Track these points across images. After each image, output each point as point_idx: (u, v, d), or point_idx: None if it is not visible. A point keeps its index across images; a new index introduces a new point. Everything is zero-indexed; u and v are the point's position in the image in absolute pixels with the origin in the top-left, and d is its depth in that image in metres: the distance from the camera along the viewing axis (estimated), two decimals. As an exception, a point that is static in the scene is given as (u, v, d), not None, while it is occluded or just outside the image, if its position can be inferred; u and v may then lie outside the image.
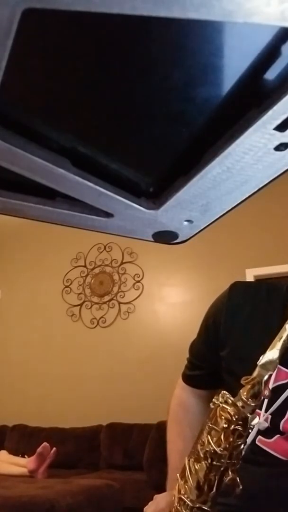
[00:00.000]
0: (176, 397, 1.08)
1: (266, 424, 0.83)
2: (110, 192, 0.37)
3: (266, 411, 0.83)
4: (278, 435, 0.84)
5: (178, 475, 0.79)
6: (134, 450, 3.46)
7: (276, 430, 0.84)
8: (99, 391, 4.01)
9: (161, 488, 0.97)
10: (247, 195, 0.39)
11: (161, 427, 3.24)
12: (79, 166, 0.35)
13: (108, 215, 0.42)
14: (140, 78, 0.30)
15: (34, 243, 4.65)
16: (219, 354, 0.95)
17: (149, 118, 0.34)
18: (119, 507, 2.48)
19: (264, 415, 0.83)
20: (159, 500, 0.89)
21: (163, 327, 3.97)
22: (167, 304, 4.04)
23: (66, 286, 4.44)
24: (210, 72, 0.29)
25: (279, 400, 0.83)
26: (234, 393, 0.70)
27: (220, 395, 0.70)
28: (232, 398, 0.67)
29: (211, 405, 0.71)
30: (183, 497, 0.73)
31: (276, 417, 0.84)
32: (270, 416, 0.84)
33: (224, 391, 0.69)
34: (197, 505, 0.70)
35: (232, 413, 0.66)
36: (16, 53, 0.24)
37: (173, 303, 4.01)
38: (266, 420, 0.83)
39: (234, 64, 0.29)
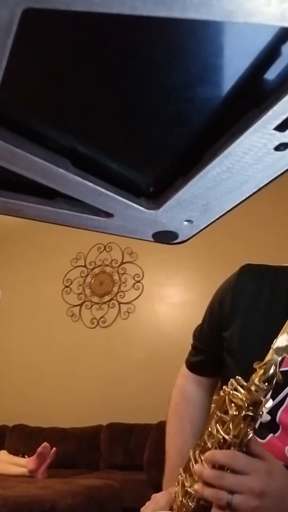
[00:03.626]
0: (178, 387, 1.06)
1: (269, 417, 0.81)
2: (110, 192, 0.37)
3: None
4: (271, 435, 0.82)
5: (181, 469, 0.78)
6: (134, 450, 3.46)
7: (271, 425, 0.82)
8: (99, 391, 4.01)
9: (161, 488, 0.97)
10: (247, 195, 0.39)
11: (161, 427, 3.23)
12: (79, 166, 0.35)
13: (108, 215, 0.42)
14: (140, 78, 0.30)
15: (34, 243, 4.64)
16: (222, 335, 0.94)
17: (149, 118, 0.34)
18: (119, 507, 2.48)
19: (267, 406, 0.81)
20: (158, 499, 0.88)
21: (163, 327, 3.97)
22: (167, 304, 4.04)
23: (66, 286, 4.43)
24: (210, 72, 0.29)
25: (286, 389, 0.80)
26: (233, 376, 0.69)
27: (229, 383, 0.69)
28: (244, 382, 0.66)
29: (221, 393, 0.71)
30: (189, 489, 0.73)
31: (275, 406, 0.82)
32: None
33: (234, 379, 0.69)
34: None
35: (244, 398, 0.65)
36: (16, 53, 0.24)
37: (173, 303, 4.01)
38: (268, 412, 0.81)
39: (234, 64, 0.29)
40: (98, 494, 2.34)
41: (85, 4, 0.21)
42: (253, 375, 0.65)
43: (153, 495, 0.89)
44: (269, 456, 0.70)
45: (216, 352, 0.97)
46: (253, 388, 0.64)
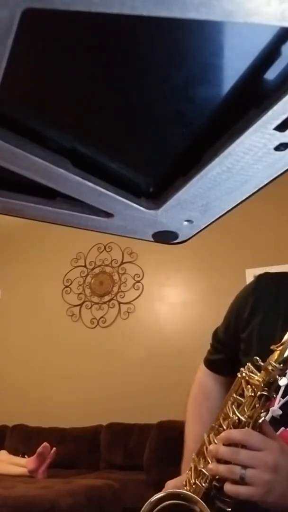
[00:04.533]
0: (198, 382, 1.10)
1: (280, 411, 0.82)
2: (110, 192, 0.37)
3: (282, 396, 0.83)
4: (282, 428, 0.83)
5: (194, 454, 0.79)
6: (134, 450, 3.46)
7: (282, 420, 0.83)
8: (99, 391, 4.01)
9: (161, 487, 0.97)
10: (247, 195, 0.39)
11: (161, 427, 3.24)
12: (79, 166, 0.35)
13: (108, 215, 0.42)
14: (140, 78, 0.30)
15: (34, 243, 4.64)
16: (239, 336, 0.97)
17: (149, 118, 0.34)
18: (119, 507, 2.48)
19: (279, 401, 0.82)
20: (170, 486, 0.90)
21: (163, 327, 3.97)
22: (167, 304, 4.04)
23: (66, 286, 4.43)
24: (210, 72, 0.29)
25: None
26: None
27: (246, 366, 0.72)
28: (262, 362, 0.70)
29: (238, 375, 0.74)
30: (203, 470, 0.74)
31: (287, 402, 0.83)
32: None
33: (250, 362, 0.71)
34: (217, 476, 0.71)
35: (260, 379, 0.68)
36: (16, 53, 0.24)
37: (173, 303, 4.01)
38: (280, 407, 0.83)
39: (234, 64, 0.29)
40: (98, 494, 2.34)
41: (85, 4, 0.21)
42: (270, 356, 0.68)
43: (167, 483, 0.92)
44: (279, 438, 0.73)
45: (233, 353, 1.00)
46: (269, 367, 0.67)
